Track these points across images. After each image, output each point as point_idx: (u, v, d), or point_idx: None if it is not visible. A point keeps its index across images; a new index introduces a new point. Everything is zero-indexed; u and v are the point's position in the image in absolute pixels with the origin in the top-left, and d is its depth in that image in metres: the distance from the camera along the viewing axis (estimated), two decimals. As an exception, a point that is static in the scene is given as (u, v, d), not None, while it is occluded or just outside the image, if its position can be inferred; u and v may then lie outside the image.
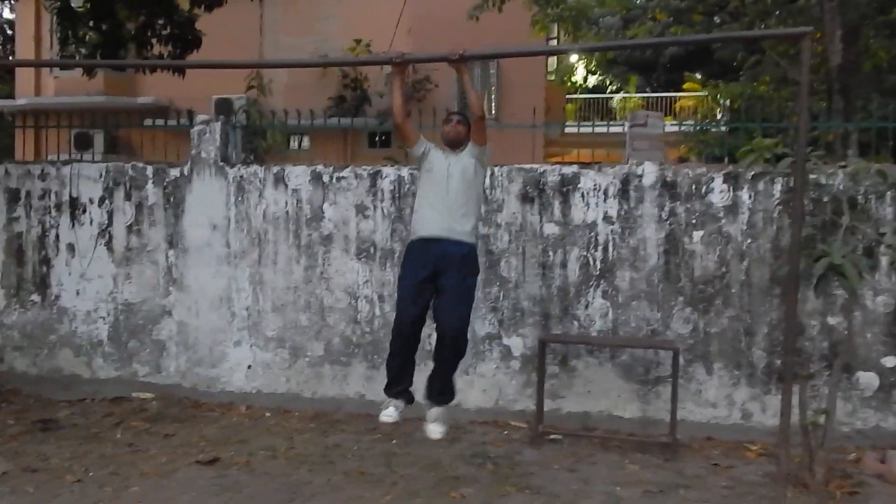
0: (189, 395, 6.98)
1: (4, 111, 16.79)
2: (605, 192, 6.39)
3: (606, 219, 6.38)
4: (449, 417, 4.93)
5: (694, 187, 6.23)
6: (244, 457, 5.50)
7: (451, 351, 4.72)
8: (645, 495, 4.88)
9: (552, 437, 6.01)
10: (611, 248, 6.37)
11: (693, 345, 6.18)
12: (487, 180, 6.52)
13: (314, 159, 7.90)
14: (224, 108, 14.16)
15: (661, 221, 6.30)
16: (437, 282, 4.65)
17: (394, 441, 5.93)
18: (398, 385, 4.88)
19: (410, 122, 5.02)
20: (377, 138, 16.44)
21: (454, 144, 4.83)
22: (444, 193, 4.68)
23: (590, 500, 4.81)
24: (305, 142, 15.15)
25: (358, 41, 15.12)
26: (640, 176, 6.35)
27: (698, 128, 10.02)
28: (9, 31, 19.77)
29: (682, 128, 10.42)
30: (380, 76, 15.57)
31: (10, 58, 19.75)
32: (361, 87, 16.03)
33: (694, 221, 6.22)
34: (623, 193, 6.37)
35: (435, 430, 4.87)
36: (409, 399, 4.97)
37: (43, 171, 7.43)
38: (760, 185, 6.12)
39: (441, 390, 4.88)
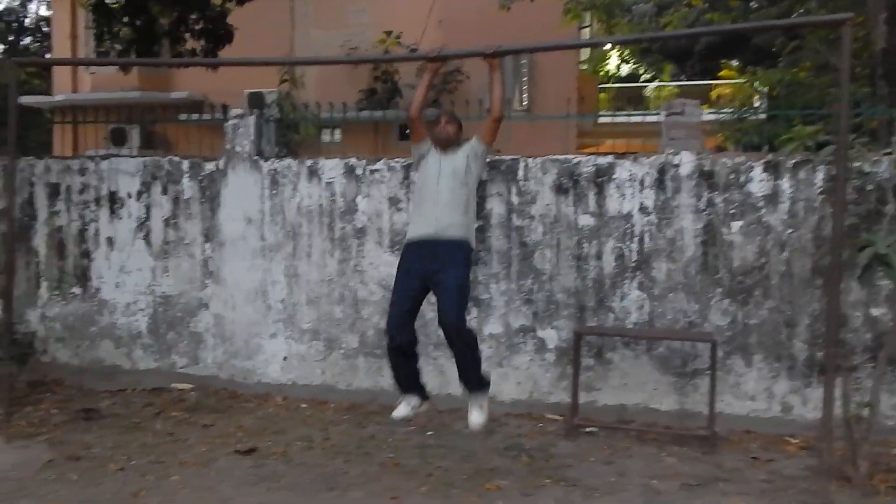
0: (226, 386, 7.07)
1: (42, 108, 17.04)
2: (641, 183, 6.31)
3: (642, 209, 6.31)
4: (485, 404, 4.91)
5: (732, 177, 6.13)
6: (281, 447, 5.56)
7: (459, 345, 4.73)
8: (683, 488, 4.84)
9: (588, 429, 5.98)
10: (647, 239, 6.30)
11: (732, 337, 6.09)
12: (521, 171, 6.50)
13: (346, 152, 7.93)
14: (256, 101, 14.23)
15: (698, 212, 6.20)
16: (430, 282, 4.69)
17: (429, 433, 5.95)
18: (405, 384, 4.93)
19: (421, 120, 5.04)
20: (408, 130, 16.43)
21: (444, 145, 4.87)
22: (433, 194, 4.72)
23: (627, 492, 4.78)
24: (337, 135, 15.19)
25: (388, 33, 15.08)
26: (677, 166, 6.26)
27: (736, 116, 9.83)
28: (45, 29, 20.06)
29: (720, 116, 10.24)
30: (411, 68, 15.56)
31: (47, 55, 20.04)
32: (392, 79, 16.00)
33: (733, 211, 6.12)
34: (659, 184, 6.28)
35: (475, 418, 4.86)
36: (423, 395, 4.98)
37: (82, 166, 7.54)
38: (802, 174, 6.00)
39: (469, 380, 4.87)
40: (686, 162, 6.24)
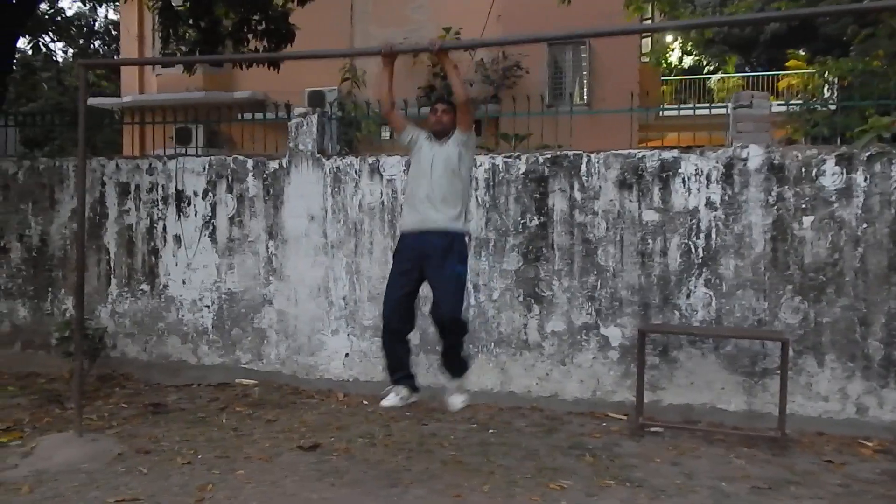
0: (289, 382, 7.15)
1: (111, 109, 17.50)
2: (708, 177, 6.17)
3: (709, 204, 6.16)
4: (466, 389, 4.97)
5: (804, 170, 5.94)
6: (343, 443, 5.59)
7: (452, 335, 4.74)
8: (753, 491, 4.71)
9: (653, 429, 5.89)
10: (714, 235, 6.15)
11: (803, 335, 5.91)
12: (583, 167, 6.41)
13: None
14: (316, 100, 14.37)
15: (767, 206, 6.03)
16: (425, 272, 4.67)
17: (490, 430, 5.92)
18: (397, 372, 4.90)
19: (396, 111, 5.06)
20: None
21: (439, 134, 4.83)
22: (427, 184, 4.69)
23: (695, 494, 4.67)
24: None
25: (447, 30, 15.06)
26: (745, 159, 6.10)
27: (806, 107, 9.50)
28: (113, 32, 20.61)
29: (789, 108, 9.92)
30: (469, 65, 15.50)
31: (115, 57, 20.58)
32: (450, 75, 15.98)
33: (804, 206, 5.93)
34: (727, 178, 6.14)
35: (454, 402, 4.91)
36: (412, 387, 4.93)
37: (150, 165, 7.71)
38: (877, 167, 5.78)
39: (452, 366, 4.90)
40: (755, 155, 6.07)
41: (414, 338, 5.14)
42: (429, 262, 4.63)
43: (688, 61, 30.50)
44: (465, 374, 5.00)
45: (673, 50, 28.45)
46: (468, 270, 4.89)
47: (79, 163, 5.86)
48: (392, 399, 4.86)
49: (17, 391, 7.19)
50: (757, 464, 5.21)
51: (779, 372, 5.63)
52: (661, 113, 14.93)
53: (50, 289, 8.01)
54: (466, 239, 4.82)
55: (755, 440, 5.63)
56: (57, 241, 7.99)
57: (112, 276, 7.79)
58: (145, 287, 7.67)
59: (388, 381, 6.76)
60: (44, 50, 12.00)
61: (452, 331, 4.70)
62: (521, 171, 6.58)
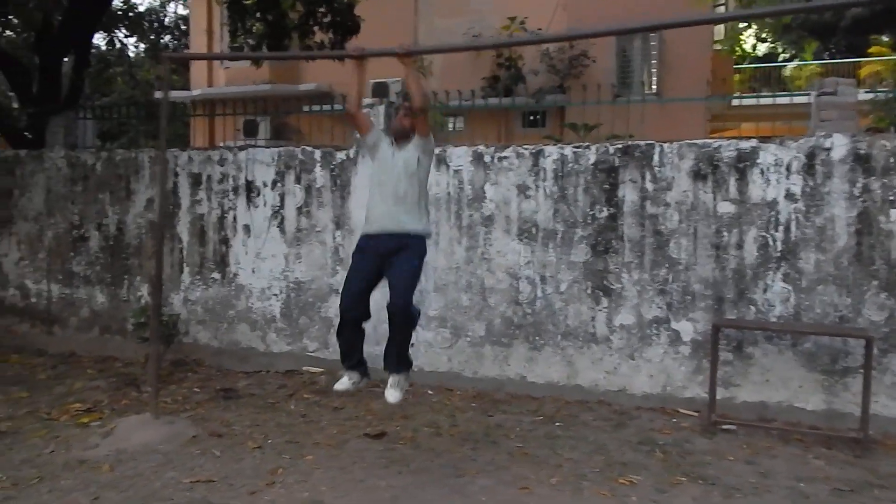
0: (355, 370, 7.16)
1: (181, 102, 17.88)
2: (788, 168, 5.95)
3: (789, 196, 5.95)
4: (407, 384, 4.98)
5: (893, 160, 5.68)
6: (409, 432, 5.61)
7: (400, 325, 4.78)
8: (833, 493, 4.56)
9: (725, 426, 5.73)
10: (793, 228, 5.94)
11: (889, 333, 5.66)
12: (656, 157, 6.27)
13: (468, 140, 7.88)
14: (381, 91, 14.41)
15: (852, 198, 5.80)
16: (384, 270, 4.76)
17: (557, 423, 5.85)
18: (349, 359, 4.95)
19: (362, 112, 5.13)
20: (531, 118, 16.25)
21: (399, 136, 4.91)
22: (388, 187, 4.79)
23: (772, 494, 4.54)
24: (459, 122, 15.18)
25: (512, 19, 14.93)
26: (829, 149, 5.87)
27: (893, 95, 9.08)
28: (183, 27, 21.04)
29: (876, 96, 9.55)
30: (535, 55, 15.34)
31: (186, 51, 20.99)
32: (516, 65, 15.83)
33: (892, 198, 5.68)
34: (808, 168, 5.91)
35: (391, 395, 4.89)
36: (364, 372, 4.99)
37: (221, 156, 7.81)
38: (969, 157, 5.50)
39: (396, 360, 4.89)
40: (839, 145, 5.84)
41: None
42: (389, 258, 4.73)
43: (762, 48, 29.59)
44: (407, 371, 4.98)
45: (748, 37, 27.66)
46: (423, 268, 4.93)
47: (160, 153, 5.98)
48: (345, 383, 4.97)
49: (96, 374, 7.44)
50: (837, 465, 5.03)
51: (861, 371, 5.43)
52: (731, 102, 14.56)
53: (126, 276, 8.20)
54: (426, 239, 4.93)
55: (835, 441, 5.43)
56: (132, 229, 8.17)
57: (185, 265, 7.94)
58: (216, 275, 7.79)
59: (451, 371, 6.84)
60: (118, 45, 12.34)
61: (402, 320, 4.74)
62: (590, 162, 6.46)
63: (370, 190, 4.97)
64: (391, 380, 4.92)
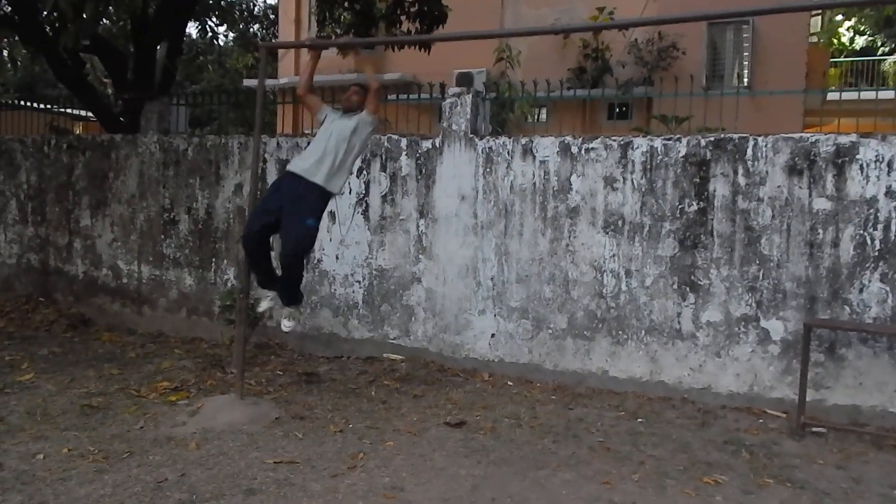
0: (435, 359, 7.22)
1: (269, 89, 18.21)
2: (889, 164, 5.72)
3: (889, 194, 5.72)
4: (298, 316, 6.10)
5: None
6: (489, 422, 5.61)
7: (290, 273, 5.69)
8: (928, 502, 4.39)
9: (815, 429, 5.57)
10: (893, 227, 5.71)
11: None
12: (749, 151, 6.10)
13: (553, 131, 7.81)
14: (465, 81, 14.42)
15: (955, 197, 5.55)
16: (284, 213, 5.48)
17: (639, 420, 5.78)
18: (263, 280, 5.94)
19: (312, 95, 6.05)
20: (617, 110, 16.03)
21: (346, 110, 5.87)
22: (320, 145, 5.63)
23: (864, 501, 4.42)
24: (543, 114, 15.09)
25: (601, 9, 14.73)
26: (932, 146, 5.63)
27: None
28: (271, 16, 21.46)
29: None
30: (623, 46, 15.11)
31: (273, 40, 21.40)
32: (603, 57, 15.63)
33: None
34: (911, 165, 5.69)
35: (285, 325, 5.96)
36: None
37: (308, 143, 7.88)
38: None
39: (287, 297, 5.87)
40: (943, 141, 5.59)
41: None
42: (290, 205, 5.47)
43: (860, 42, 28.34)
44: (297, 306, 6.00)
45: (847, 30, 26.55)
46: (317, 227, 5.70)
47: (253, 139, 6.13)
48: (266, 304, 6.01)
49: (183, 354, 7.67)
50: (933, 473, 4.84)
51: (960, 377, 5.19)
52: (826, 97, 14.07)
53: (213, 259, 8.42)
54: (330, 200, 5.75)
55: (930, 448, 5.22)
56: (221, 214, 8.36)
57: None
58: (301, 261, 7.91)
59: (531, 363, 6.82)
60: (209, 33, 12.67)
61: (292, 269, 5.64)
62: (680, 155, 6.33)
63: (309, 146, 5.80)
64: (284, 311, 5.91)
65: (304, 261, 5.83)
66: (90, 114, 12.53)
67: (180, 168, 8.61)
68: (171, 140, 8.74)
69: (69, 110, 15.94)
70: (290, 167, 5.71)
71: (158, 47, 10.59)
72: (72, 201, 9.30)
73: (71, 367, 7.05)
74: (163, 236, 8.71)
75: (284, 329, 5.98)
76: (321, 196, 5.60)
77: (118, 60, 10.65)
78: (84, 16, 8.58)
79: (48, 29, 9.75)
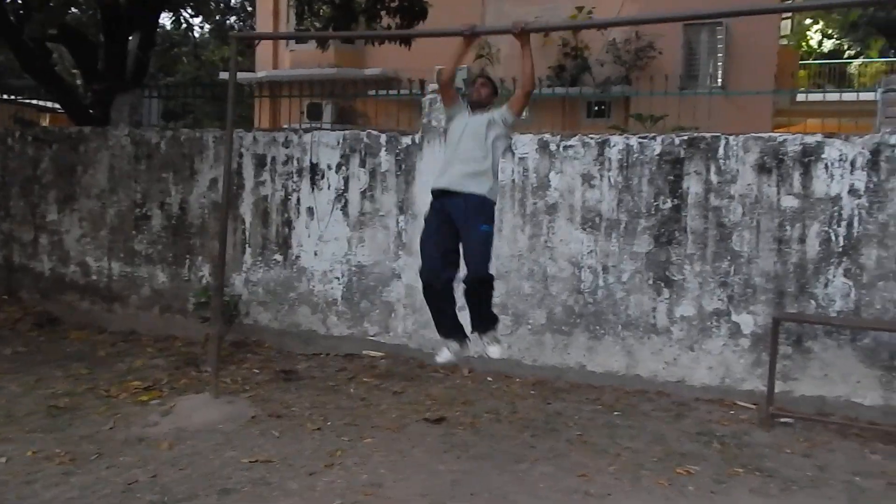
0: (415, 355, 7.26)
1: (245, 83, 18.03)
2: (853, 164, 5.91)
3: (852, 192, 5.91)
4: (499, 337, 5.08)
5: (959, 158, 5.61)
6: (469, 418, 5.69)
7: (480, 292, 4.83)
8: (890, 488, 4.59)
9: (783, 420, 5.75)
10: (856, 224, 5.90)
11: (949, 331, 5.61)
12: (721, 149, 6.25)
13: (533, 128, 7.89)
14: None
15: (916, 196, 5.75)
16: (460, 230, 4.76)
17: (616, 413, 5.91)
18: (445, 328, 4.98)
19: (452, 87, 5.19)
20: (596, 108, 16.18)
21: (475, 106, 5.04)
22: (454, 150, 4.89)
23: (828, 488, 4.57)
24: (524, 111, 15.12)
25: (580, 8, 14.84)
26: (894, 146, 5.82)
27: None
28: (249, 8, 21.25)
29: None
30: (601, 45, 15.24)
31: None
32: (582, 55, 15.75)
33: (957, 196, 5.61)
34: (873, 165, 5.87)
35: (493, 351, 4.96)
36: (461, 339, 5.00)
37: (287, 138, 7.91)
38: None
39: (484, 322, 4.95)
40: (905, 141, 5.79)
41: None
42: (458, 219, 4.75)
43: (828, 45, 28.86)
44: (496, 327, 5.09)
45: (815, 33, 27.00)
46: (493, 232, 4.97)
47: (227, 134, 6.06)
48: (445, 355, 5.02)
49: (156, 353, 7.56)
50: (894, 460, 5.05)
51: (921, 368, 5.39)
52: (795, 98, 14.37)
53: (187, 255, 8.33)
54: (492, 204, 4.90)
55: (893, 436, 5.42)
56: (195, 209, 8.29)
57: (247, 246, 8.04)
58: (278, 257, 7.90)
59: (511, 359, 6.89)
60: (184, 25, 12.52)
61: (480, 287, 4.81)
62: (655, 153, 6.47)
63: (444, 154, 5.12)
64: (485, 338, 4.97)
65: (493, 276, 4.95)
66: (58, 105, 12.31)
67: (153, 162, 8.51)
68: (143, 133, 8.63)
69: (36, 102, 15.72)
70: (433, 186, 4.98)
71: (131, 38, 10.41)
72: (38, 196, 9.13)
73: (37, 366, 6.92)
74: (134, 232, 8.59)
75: (494, 356, 5.09)
76: (481, 201, 4.79)
77: (88, 51, 10.38)
78: (51, 4, 8.42)
79: (13, 17, 9.52)
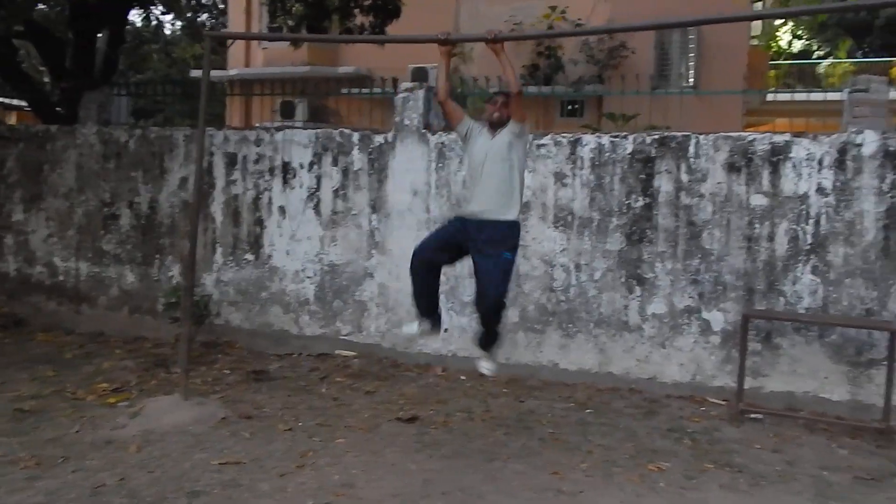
0: (388, 355, 7.25)
1: (217, 81, 17.84)
2: (820, 163, 6.00)
3: (820, 190, 6.00)
4: (496, 358, 5.15)
5: (923, 158, 5.71)
6: (442, 417, 5.69)
7: (493, 318, 4.82)
8: (856, 482, 4.66)
9: (753, 415, 5.82)
10: (823, 222, 5.99)
11: (914, 326, 5.71)
12: (691, 148, 6.31)
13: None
14: (420, 76, 14.45)
15: (881, 194, 5.86)
16: (472, 251, 4.75)
17: (588, 410, 5.94)
18: (423, 310, 5.05)
19: (452, 102, 5.06)
20: (570, 107, 16.26)
21: (495, 125, 4.86)
22: (478, 175, 4.78)
23: (796, 482, 4.63)
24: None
25: (553, 8, 14.91)
26: (860, 145, 5.92)
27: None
28: (221, 5, 21.04)
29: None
30: (575, 44, 15.31)
31: (222, 31, 20.99)
32: (555, 54, 15.82)
33: (922, 194, 5.71)
34: (840, 164, 5.96)
35: (485, 367, 5.05)
36: (435, 323, 5.10)
37: (258, 136, 7.85)
38: None
39: (488, 341, 5.02)
40: (870, 141, 5.90)
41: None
42: (479, 246, 4.70)
43: (797, 45, 29.25)
44: (497, 347, 5.15)
45: (784, 34, 27.35)
46: (516, 259, 4.92)
47: (197, 132, 5.97)
48: (413, 328, 5.11)
49: (125, 354, 7.43)
50: (861, 455, 5.13)
51: (885, 363, 5.49)
52: (765, 97, 14.55)
53: (157, 255, 8.23)
54: (517, 228, 4.86)
55: (859, 431, 5.52)
56: (165, 208, 8.19)
57: (217, 245, 7.97)
58: (250, 257, 7.85)
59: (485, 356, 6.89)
60: (154, 22, 12.35)
61: (495, 314, 4.80)
62: (627, 152, 6.51)
63: (465, 177, 5.00)
64: (484, 354, 5.05)
65: (506, 303, 4.94)
66: (25, 103, 12.11)
67: (122, 161, 8.39)
68: (111, 131, 8.52)
69: (2, 99, 15.48)
70: (456, 211, 4.99)
71: (100, 35, 10.27)
72: (3, 195, 8.95)
73: (2, 369, 6.78)
74: (103, 232, 8.47)
75: (486, 372, 5.13)
76: (508, 229, 4.78)
77: (55, 48, 10.19)
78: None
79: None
